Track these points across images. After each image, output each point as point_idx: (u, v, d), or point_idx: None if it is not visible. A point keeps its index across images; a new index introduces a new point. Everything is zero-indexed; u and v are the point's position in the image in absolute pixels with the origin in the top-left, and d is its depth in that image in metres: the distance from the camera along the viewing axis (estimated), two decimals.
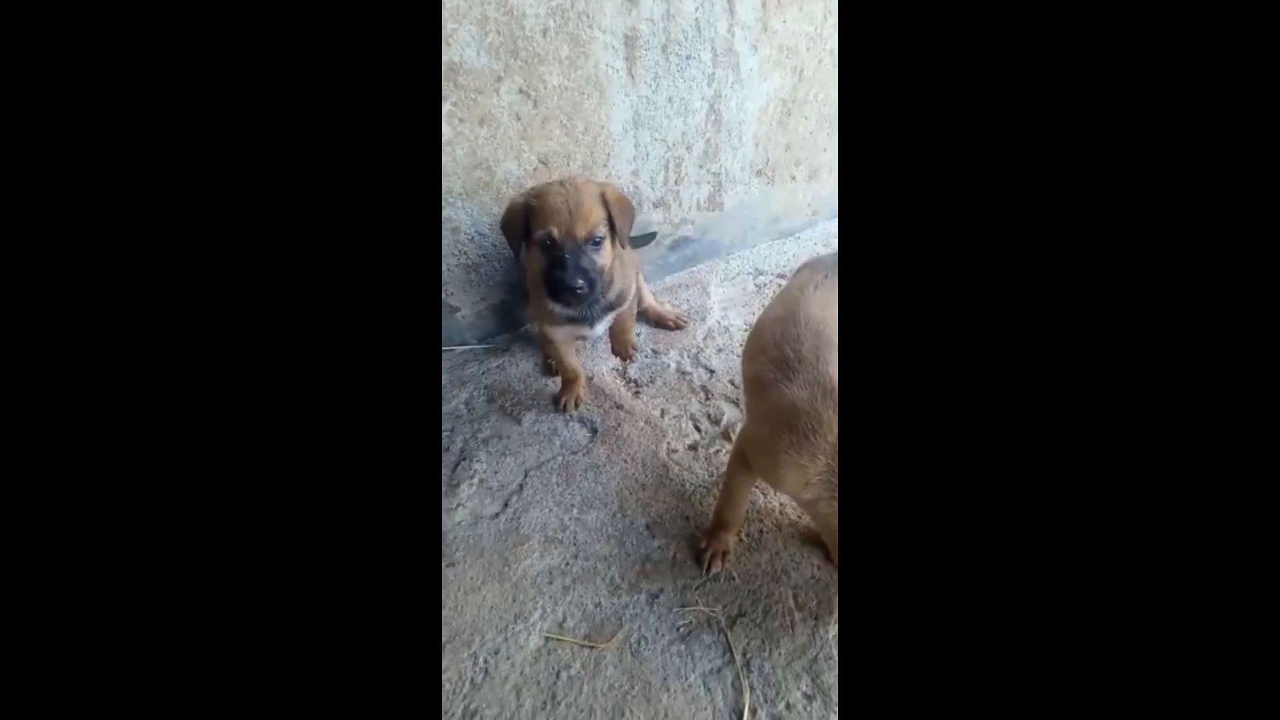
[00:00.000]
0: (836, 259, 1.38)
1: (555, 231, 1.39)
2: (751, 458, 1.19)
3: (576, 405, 1.77)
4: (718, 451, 1.63)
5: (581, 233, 1.40)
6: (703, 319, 2.11)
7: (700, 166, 2.10)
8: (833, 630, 1.23)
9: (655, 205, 2.09)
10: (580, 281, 1.38)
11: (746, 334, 1.99)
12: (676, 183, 2.08)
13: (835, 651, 1.19)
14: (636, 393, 1.84)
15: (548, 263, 1.42)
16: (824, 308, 1.23)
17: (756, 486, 1.44)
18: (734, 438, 1.56)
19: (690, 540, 1.41)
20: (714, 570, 1.33)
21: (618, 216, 1.43)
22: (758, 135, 2.15)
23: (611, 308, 1.56)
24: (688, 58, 1.86)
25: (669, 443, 1.66)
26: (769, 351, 1.18)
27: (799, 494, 1.06)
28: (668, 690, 1.15)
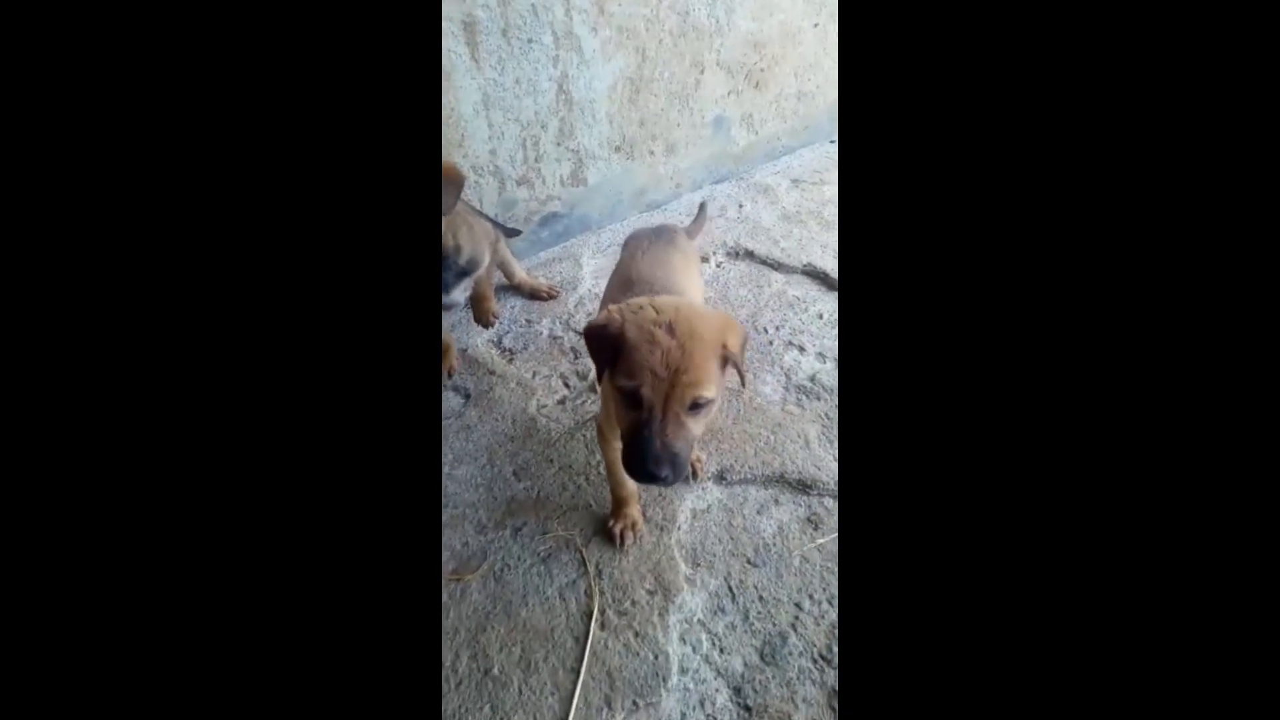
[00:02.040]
0: (654, 229, 1.61)
1: None
2: (605, 422, 1.28)
3: (450, 375, 1.86)
4: (585, 402, 1.77)
5: None
6: (574, 288, 2.24)
7: (558, 144, 2.22)
8: (675, 536, 1.39)
9: (519, 183, 2.20)
10: None
11: None
12: (537, 160, 2.20)
13: (676, 554, 1.35)
14: (510, 359, 1.95)
15: None
16: (652, 267, 1.41)
17: None
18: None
19: (555, 478, 1.54)
20: (628, 544, 1.38)
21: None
22: (610, 113, 2.29)
23: (465, 273, 1.66)
24: (529, 41, 1.98)
25: (538, 399, 1.79)
26: (611, 304, 1.31)
27: None
28: (526, 605, 1.28)
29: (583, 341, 1.98)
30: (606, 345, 1.04)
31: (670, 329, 1.00)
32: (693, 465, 1.49)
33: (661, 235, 1.56)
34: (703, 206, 2.03)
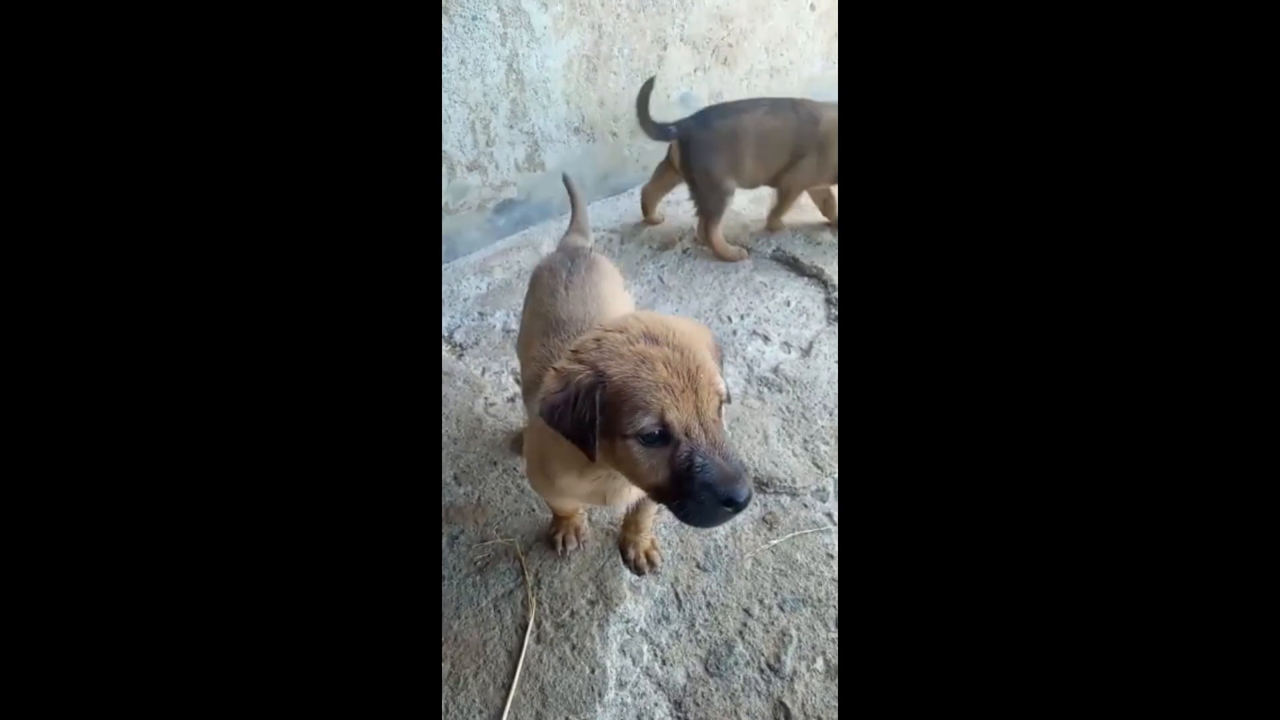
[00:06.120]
0: (565, 255, 1.31)
1: None
2: (530, 458, 1.12)
3: None
4: None
5: None
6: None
7: (511, 126, 2.12)
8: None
9: (470, 169, 2.10)
10: None
11: None
12: (488, 144, 2.10)
13: (620, 561, 1.29)
14: (460, 355, 1.87)
15: None
16: (582, 303, 1.17)
17: None
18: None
19: (497, 482, 1.46)
20: (570, 550, 1.30)
21: None
22: (567, 93, 2.18)
23: None
24: (474, 18, 1.87)
25: (486, 397, 1.71)
26: (538, 353, 1.11)
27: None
28: (459, 618, 1.21)
29: None
30: (585, 407, 0.78)
31: (650, 337, 0.80)
32: (647, 555, 1.27)
33: (580, 261, 1.26)
34: (568, 181, 1.66)
